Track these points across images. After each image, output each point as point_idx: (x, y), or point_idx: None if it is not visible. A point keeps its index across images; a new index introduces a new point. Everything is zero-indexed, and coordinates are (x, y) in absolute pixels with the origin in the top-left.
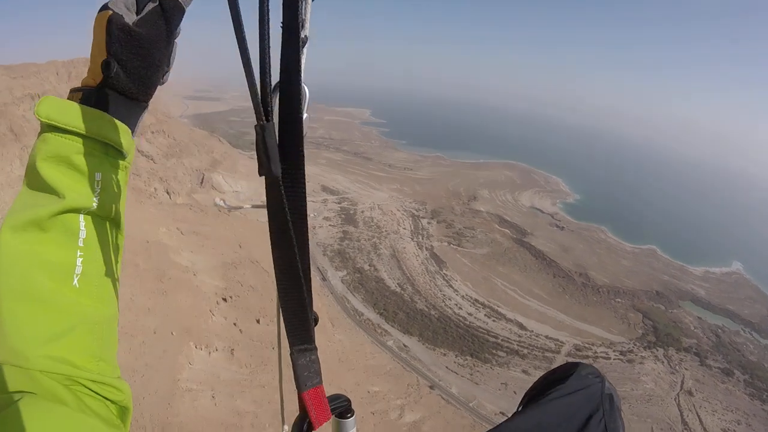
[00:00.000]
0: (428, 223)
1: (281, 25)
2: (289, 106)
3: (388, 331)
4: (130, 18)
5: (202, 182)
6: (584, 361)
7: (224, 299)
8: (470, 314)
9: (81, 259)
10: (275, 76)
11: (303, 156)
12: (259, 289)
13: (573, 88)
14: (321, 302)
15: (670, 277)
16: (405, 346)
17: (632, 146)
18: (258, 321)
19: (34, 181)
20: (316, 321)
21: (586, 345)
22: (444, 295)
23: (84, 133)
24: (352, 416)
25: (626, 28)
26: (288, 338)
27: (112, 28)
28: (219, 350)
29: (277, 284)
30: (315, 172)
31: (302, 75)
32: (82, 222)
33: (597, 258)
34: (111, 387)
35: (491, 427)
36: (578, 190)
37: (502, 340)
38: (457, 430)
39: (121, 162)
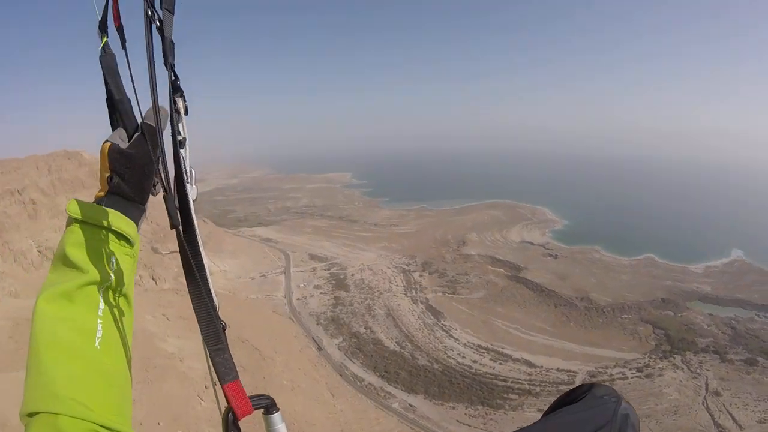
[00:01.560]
0: (420, 275)
1: (170, 135)
2: (180, 184)
3: (392, 393)
4: (124, 145)
5: None
6: None
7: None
8: (475, 361)
9: (101, 326)
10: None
11: (191, 212)
12: (251, 369)
13: (526, 117)
14: (318, 373)
15: (673, 282)
16: (411, 405)
17: (604, 161)
18: None
19: (63, 262)
20: (224, 327)
21: (600, 369)
22: (445, 347)
23: (101, 224)
24: (277, 412)
25: (548, 47)
26: (204, 342)
27: (111, 153)
28: None
29: (192, 303)
30: (302, 242)
31: (186, 161)
32: (101, 295)
33: (595, 279)
34: None
35: None
36: (565, 216)
37: (511, 382)
38: None
39: (129, 249)
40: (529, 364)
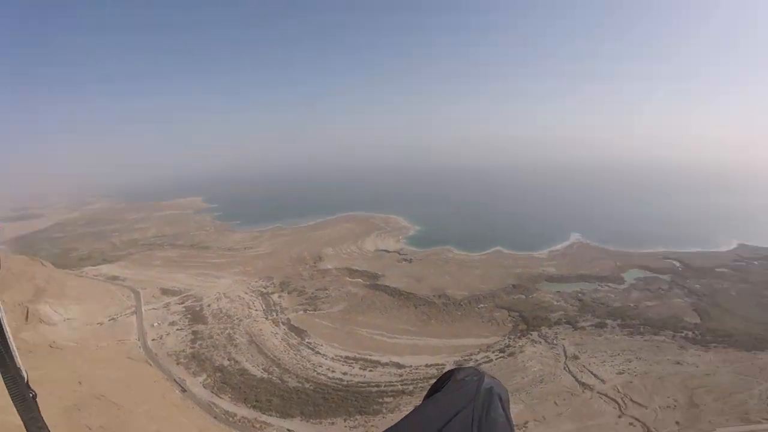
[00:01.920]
0: (279, 296)
1: None
2: None
3: (268, 422)
4: None
5: (27, 317)
6: None
7: None
8: (345, 373)
9: None
10: None
11: None
12: (111, 427)
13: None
14: (187, 418)
15: (521, 268)
16: (289, 431)
17: (446, 170)
18: None
19: None
20: (34, 396)
21: (466, 358)
22: (313, 364)
23: None
24: None
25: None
26: (22, 416)
27: None
28: None
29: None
30: (151, 276)
31: None
32: None
33: (450, 276)
34: None
35: None
36: (417, 221)
37: (384, 386)
38: None
39: None
40: (399, 366)
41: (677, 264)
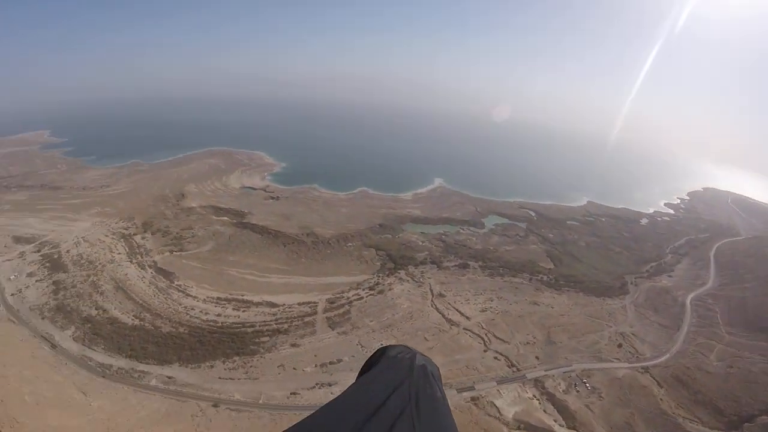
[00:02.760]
0: (143, 238)
1: None
2: None
3: (146, 371)
4: None
5: None
6: (341, 310)
7: None
8: (219, 315)
9: None
10: None
11: None
12: None
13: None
14: (61, 375)
15: (387, 209)
16: (169, 377)
17: (315, 105)
18: None
19: None
20: None
21: (337, 296)
22: (185, 307)
23: None
24: None
25: None
26: None
27: None
28: None
29: None
30: (1, 223)
31: None
32: None
33: (318, 215)
34: None
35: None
36: (282, 158)
37: (259, 325)
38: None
39: None
40: (272, 305)
41: (533, 213)
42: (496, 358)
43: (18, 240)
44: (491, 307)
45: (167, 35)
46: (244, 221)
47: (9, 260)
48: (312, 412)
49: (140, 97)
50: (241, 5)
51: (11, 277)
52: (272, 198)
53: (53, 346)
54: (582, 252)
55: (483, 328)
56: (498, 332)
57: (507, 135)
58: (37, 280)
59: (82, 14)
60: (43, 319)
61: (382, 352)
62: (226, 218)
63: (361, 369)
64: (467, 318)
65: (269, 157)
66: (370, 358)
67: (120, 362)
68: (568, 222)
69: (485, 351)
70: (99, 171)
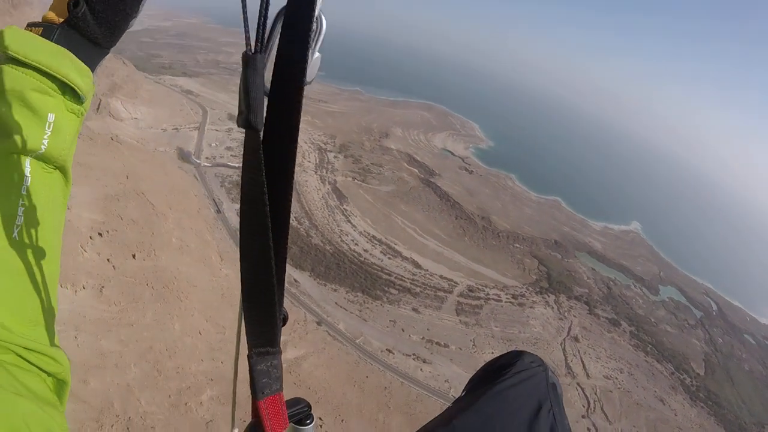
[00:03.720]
0: (335, 157)
1: None
2: (290, 40)
3: None
4: None
5: (98, 108)
6: (475, 302)
7: (100, 234)
8: (366, 251)
9: (22, 209)
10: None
11: (298, 109)
12: (140, 222)
13: (500, 40)
14: (212, 236)
15: (570, 229)
16: (295, 281)
17: (549, 102)
18: (134, 256)
19: None
20: (285, 320)
21: (480, 286)
22: (341, 231)
23: (43, 68)
24: (311, 422)
25: None
26: (247, 338)
27: None
28: (87, 288)
29: (241, 269)
30: (224, 100)
31: (318, 5)
32: (28, 167)
33: (501, 204)
34: (47, 357)
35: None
36: (493, 137)
37: (395, 277)
38: (340, 366)
39: (76, 107)
40: (416, 265)
41: (714, 307)
42: (589, 429)
43: (231, 117)
44: (617, 378)
45: None
46: (430, 179)
47: (217, 131)
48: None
49: (371, 32)
50: None
51: (212, 144)
52: (467, 170)
53: (218, 211)
54: (740, 376)
55: (596, 393)
56: (607, 407)
57: (739, 208)
58: (231, 155)
59: None
60: (221, 186)
61: (517, 356)
62: (415, 170)
63: (491, 363)
64: (587, 375)
65: (480, 131)
66: (502, 357)
67: None
68: (745, 335)
69: (582, 417)
70: (323, 87)
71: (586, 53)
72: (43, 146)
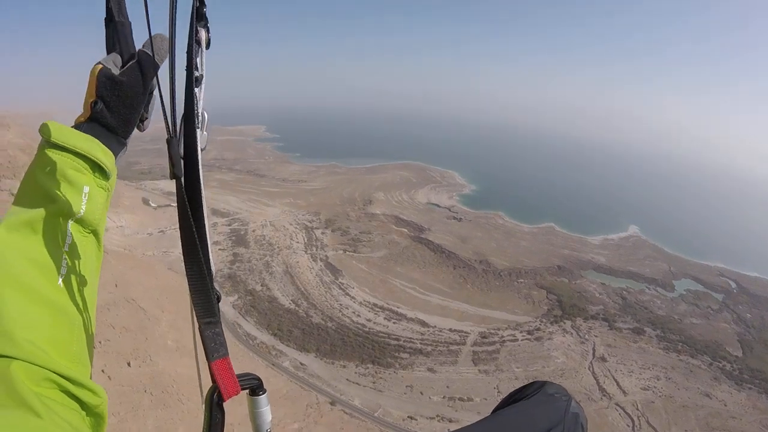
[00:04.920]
0: (322, 233)
1: (185, 69)
2: (188, 127)
3: (284, 352)
4: (116, 71)
5: None
6: (491, 347)
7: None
8: (369, 320)
9: (65, 262)
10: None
11: (198, 163)
12: (133, 329)
13: (454, 85)
14: None
15: (570, 250)
16: (302, 364)
17: (521, 134)
18: (129, 364)
19: (30, 189)
20: (218, 298)
21: (492, 331)
22: (341, 305)
23: (78, 150)
24: (264, 393)
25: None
26: (195, 313)
27: (100, 77)
28: None
29: (185, 266)
30: (205, 196)
31: (200, 102)
32: (69, 229)
33: (496, 243)
34: (88, 390)
35: None
36: (474, 180)
37: (404, 341)
38: None
39: (104, 182)
40: (423, 324)
41: (733, 284)
42: None
43: (215, 212)
44: (655, 387)
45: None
46: (421, 236)
47: None
48: None
49: (338, 106)
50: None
51: None
52: (455, 218)
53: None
54: None
55: (638, 409)
56: (653, 418)
57: (727, 181)
58: (219, 249)
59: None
60: (213, 282)
61: (540, 386)
62: (405, 230)
63: (510, 394)
64: (624, 392)
65: (461, 178)
66: (523, 388)
67: (264, 337)
68: None
69: None
70: (300, 167)
71: (534, 74)
72: (81, 210)
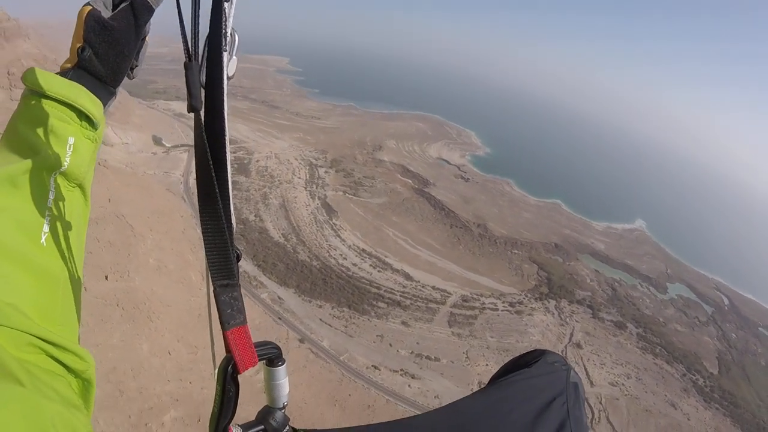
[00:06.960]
0: (326, 172)
1: None
2: (213, 50)
3: (264, 284)
4: (106, 14)
5: None
6: (469, 312)
7: None
8: (354, 264)
9: (48, 218)
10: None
11: (223, 94)
12: (117, 245)
13: (491, 46)
14: (195, 256)
15: (571, 231)
16: (280, 298)
17: (545, 104)
18: (107, 277)
19: (12, 141)
20: (238, 257)
21: (474, 296)
22: (329, 245)
23: (62, 99)
24: (282, 364)
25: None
26: (211, 274)
27: (89, 20)
28: None
29: (201, 221)
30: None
31: (229, 20)
32: (52, 183)
33: (498, 210)
34: (73, 354)
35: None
36: (490, 143)
37: (384, 290)
38: (321, 385)
39: (91, 133)
40: (407, 277)
41: (726, 301)
42: None
43: None
44: (623, 385)
45: None
46: (424, 189)
47: None
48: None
49: (370, 50)
50: None
51: None
52: (462, 178)
53: None
54: (756, 372)
55: (600, 403)
56: (614, 416)
57: (752, 202)
58: None
59: None
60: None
61: (540, 355)
62: (409, 181)
63: (510, 361)
64: (591, 383)
65: (478, 139)
66: (524, 355)
67: (248, 267)
68: (760, 328)
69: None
70: (316, 103)
71: (582, 59)
72: (65, 163)
